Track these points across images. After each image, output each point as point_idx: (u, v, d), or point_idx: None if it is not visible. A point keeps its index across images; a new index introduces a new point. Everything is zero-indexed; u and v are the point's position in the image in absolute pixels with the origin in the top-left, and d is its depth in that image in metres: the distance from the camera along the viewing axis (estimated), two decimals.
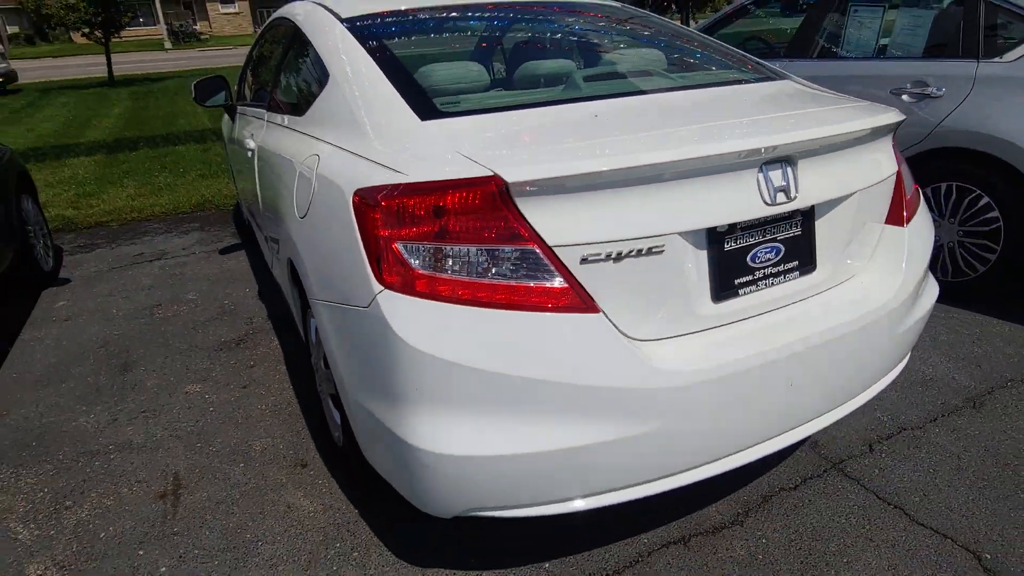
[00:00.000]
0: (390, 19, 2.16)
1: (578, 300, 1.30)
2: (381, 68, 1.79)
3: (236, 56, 24.93)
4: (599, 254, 1.31)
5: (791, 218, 1.54)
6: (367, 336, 1.38)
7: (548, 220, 1.29)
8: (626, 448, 1.35)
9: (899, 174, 1.76)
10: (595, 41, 2.41)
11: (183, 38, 38.10)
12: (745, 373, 1.42)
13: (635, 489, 1.43)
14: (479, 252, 1.28)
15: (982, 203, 2.91)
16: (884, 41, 3.40)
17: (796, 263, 1.57)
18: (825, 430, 2.24)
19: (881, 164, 1.70)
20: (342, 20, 2.11)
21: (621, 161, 1.28)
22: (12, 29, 38.46)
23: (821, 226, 1.60)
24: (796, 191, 1.47)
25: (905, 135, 3.13)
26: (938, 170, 3.05)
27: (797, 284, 1.58)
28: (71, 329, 3.23)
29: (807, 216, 1.57)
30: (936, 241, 3.11)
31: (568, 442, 1.32)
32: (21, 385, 2.74)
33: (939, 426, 2.24)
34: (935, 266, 3.16)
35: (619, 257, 1.32)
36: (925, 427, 2.24)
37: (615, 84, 1.90)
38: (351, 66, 1.84)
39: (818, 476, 2.03)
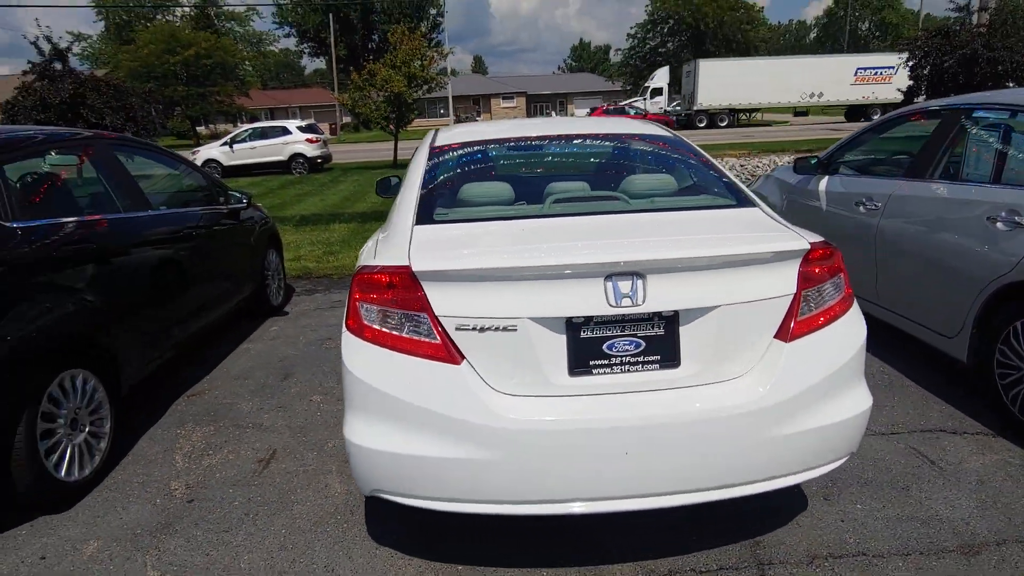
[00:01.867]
0: (459, 146, 2.96)
1: (448, 354, 1.87)
2: (421, 181, 2.57)
3: None
4: (468, 324, 1.87)
5: (650, 319, 1.90)
6: (341, 363, 2.11)
7: (439, 297, 1.90)
8: (473, 468, 1.84)
9: (798, 296, 1.97)
10: (598, 166, 2.93)
11: None
12: (579, 431, 1.82)
13: (488, 506, 1.89)
14: (395, 314, 1.94)
15: None
16: (1000, 166, 3.25)
17: (658, 357, 1.92)
18: (781, 530, 2.32)
19: (772, 284, 1.95)
20: (431, 147, 2.97)
21: (485, 262, 1.85)
22: (346, 119, 49.03)
23: (689, 330, 1.92)
24: (643, 299, 1.85)
25: (992, 265, 2.96)
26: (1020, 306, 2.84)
27: (658, 375, 1.92)
28: (270, 346, 4.53)
29: (671, 320, 1.91)
30: (1020, 383, 2.84)
31: (432, 452, 1.86)
32: (224, 377, 4.00)
33: (908, 564, 2.17)
34: (1019, 412, 2.86)
35: (483, 329, 1.87)
36: (889, 559, 2.19)
37: (576, 206, 2.42)
38: (408, 179, 2.65)
39: (735, 569, 2.16)
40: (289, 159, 19.37)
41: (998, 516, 2.37)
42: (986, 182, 3.23)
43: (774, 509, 2.47)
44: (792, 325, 1.96)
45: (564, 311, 1.87)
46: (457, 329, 1.88)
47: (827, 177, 4.55)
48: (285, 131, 19.77)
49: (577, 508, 1.88)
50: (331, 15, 46.52)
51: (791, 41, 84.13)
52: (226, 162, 19.42)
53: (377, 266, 1.99)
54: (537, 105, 56.00)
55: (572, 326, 1.89)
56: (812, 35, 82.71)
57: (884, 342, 4.04)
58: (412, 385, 1.88)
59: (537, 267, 1.84)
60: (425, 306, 1.89)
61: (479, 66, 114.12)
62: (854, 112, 31.96)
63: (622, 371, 1.91)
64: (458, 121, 44.58)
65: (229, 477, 2.85)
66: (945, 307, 3.31)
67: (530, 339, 1.87)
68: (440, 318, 1.89)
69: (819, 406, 1.96)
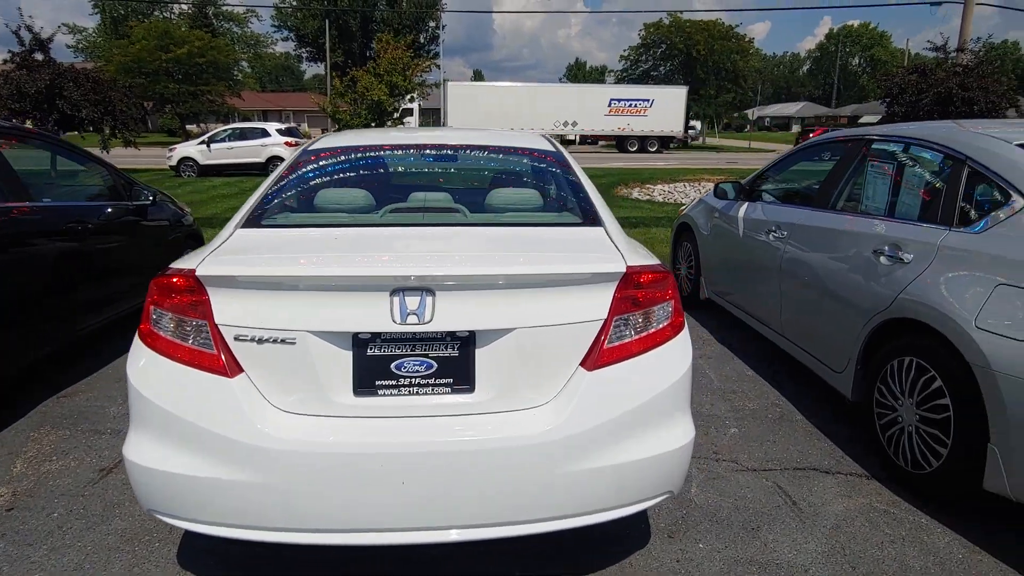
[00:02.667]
0: (336, 151, 2.86)
1: (222, 366, 1.74)
2: (271, 183, 2.46)
3: None
4: (247, 335, 1.75)
5: (443, 339, 1.79)
6: None
7: (222, 305, 1.77)
8: (242, 492, 1.71)
9: (608, 322, 1.86)
10: (470, 178, 2.83)
11: None
12: (354, 456, 1.70)
13: (260, 532, 1.76)
14: (177, 321, 1.81)
15: (935, 386, 2.55)
16: (891, 199, 3.18)
17: (450, 380, 1.80)
18: (612, 568, 2.20)
19: (581, 308, 1.84)
20: (306, 150, 2.87)
21: (266, 270, 1.73)
22: (320, 128, 49.26)
23: (486, 353, 1.80)
24: (432, 317, 1.74)
25: (875, 300, 2.88)
26: (903, 343, 2.75)
27: (449, 399, 1.80)
28: None
29: (466, 341, 1.80)
30: (898, 422, 2.75)
31: (202, 472, 1.73)
32: (106, 379, 3.84)
33: None
34: (894, 454, 2.77)
35: (261, 341, 1.74)
36: None
37: (411, 217, 2.33)
38: (264, 181, 2.54)
39: None
40: (267, 161, 19.22)
41: (842, 564, 2.26)
42: (878, 215, 3.16)
43: (613, 539, 2.35)
44: (597, 353, 1.85)
45: (349, 326, 1.75)
46: (236, 340, 1.76)
47: (747, 203, 4.48)
48: (264, 133, 19.64)
49: (350, 539, 1.75)
50: (327, 21, 46.69)
51: (784, 72, 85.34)
52: (202, 161, 19.26)
53: (171, 269, 1.86)
54: None
55: (359, 342, 1.77)
56: (805, 68, 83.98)
57: (786, 374, 3.95)
58: (184, 398, 1.75)
59: (318, 277, 1.72)
60: (207, 313, 1.77)
61: (478, 79, 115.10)
62: (623, 143, 31.42)
63: (410, 393, 1.79)
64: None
65: (61, 486, 2.69)
66: (835, 341, 3.23)
67: (310, 354, 1.75)
68: (220, 327, 1.76)
69: (623, 441, 1.84)
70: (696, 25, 35.78)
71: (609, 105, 32.39)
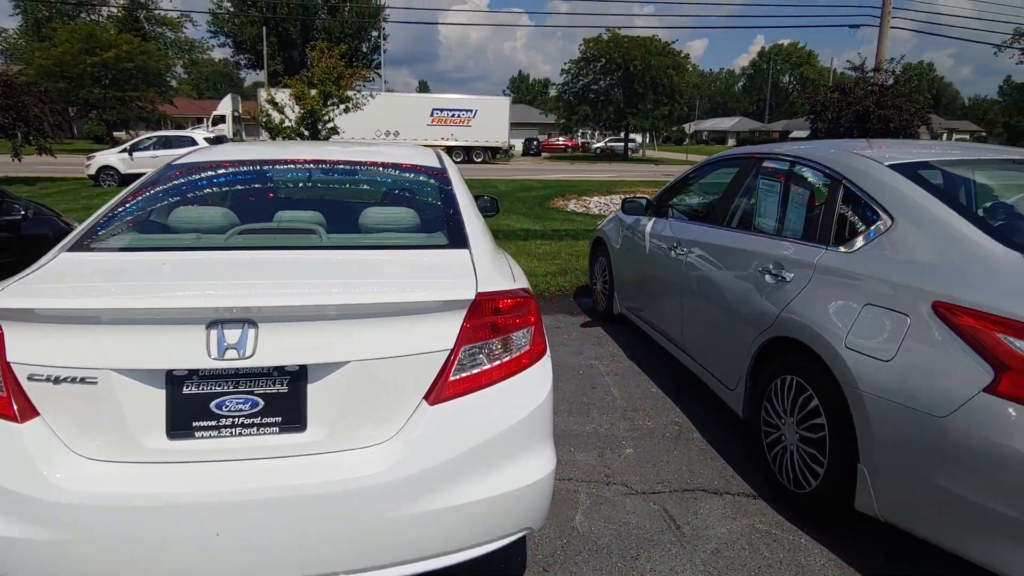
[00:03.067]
0: (205, 165, 2.68)
1: (10, 410, 1.54)
2: (117, 201, 2.28)
3: None
4: (41, 375, 1.56)
5: (270, 375, 1.64)
6: None
7: (17, 340, 1.58)
8: (31, 550, 1.51)
9: (455, 352, 1.75)
10: (347, 195, 2.71)
11: None
12: (164, 509, 1.52)
13: None
14: None
15: (812, 405, 2.54)
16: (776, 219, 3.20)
17: (279, 419, 1.65)
18: None
19: (424, 338, 1.73)
20: (170, 164, 2.68)
21: (63, 302, 1.55)
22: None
23: (319, 388, 1.66)
24: (253, 351, 1.59)
25: (761, 318, 2.88)
26: (785, 361, 2.75)
27: (278, 440, 1.65)
28: None
29: (296, 376, 1.65)
30: (781, 441, 2.74)
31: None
32: None
33: None
34: (778, 473, 2.76)
35: (57, 380, 1.55)
36: None
37: (261, 239, 2.18)
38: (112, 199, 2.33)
39: None
40: None
41: None
42: (766, 233, 3.17)
43: (486, 574, 2.23)
44: (442, 385, 1.73)
45: (162, 363, 1.58)
46: (30, 379, 1.56)
47: (654, 219, 4.49)
48: (192, 141, 18.88)
49: None
50: (265, 28, 45.64)
51: (721, 88, 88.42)
52: (124, 170, 18.40)
53: None
54: None
55: (174, 380, 1.60)
56: (740, 84, 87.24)
57: (690, 392, 3.94)
58: None
59: (123, 310, 1.55)
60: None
61: (423, 91, 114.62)
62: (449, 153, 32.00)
63: (233, 434, 1.63)
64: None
65: None
66: (728, 359, 3.22)
67: (114, 394, 1.57)
68: (12, 365, 1.57)
69: (471, 478, 1.73)
70: (634, 41, 36.57)
71: (432, 115, 31.67)
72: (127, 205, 2.34)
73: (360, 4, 56.85)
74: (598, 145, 50.51)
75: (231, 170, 2.74)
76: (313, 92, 17.63)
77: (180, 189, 2.56)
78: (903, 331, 2.14)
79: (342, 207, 2.65)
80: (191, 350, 1.58)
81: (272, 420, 1.65)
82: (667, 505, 2.72)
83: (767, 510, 2.71)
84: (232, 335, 1.59)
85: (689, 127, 51.10)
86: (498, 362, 1.83)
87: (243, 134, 31.66)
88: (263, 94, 18.08)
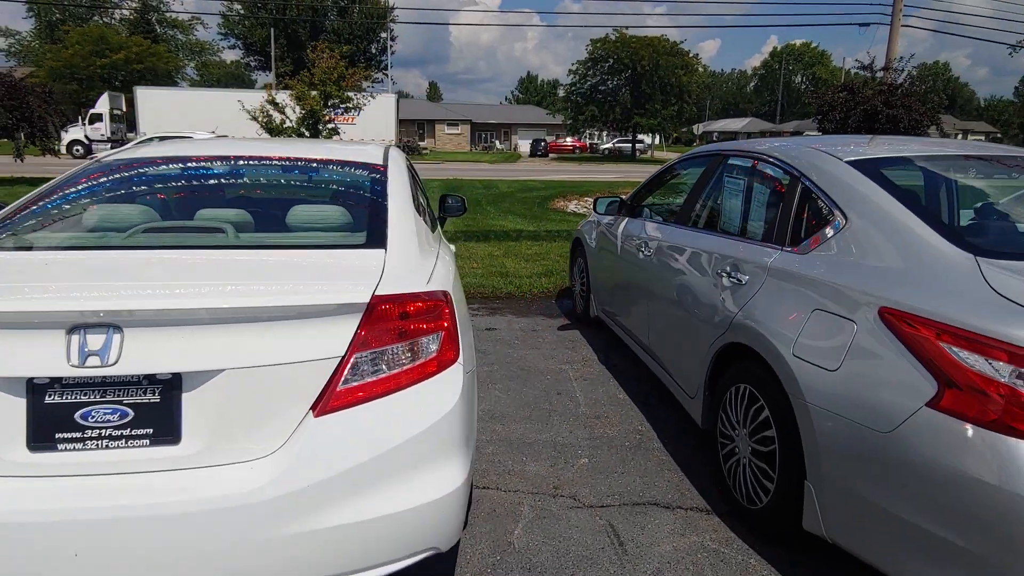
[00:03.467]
0: (133, 163, 2.58)
1: None
2: (32, 197, 2.18)
3: (434, 169, 28.46)
4: None
5: (139, 383, 1.52)
6: None
7: None
8: None
9: (347, 359, 1.63)
10: (279, 192, 2.60)
11: (407, 151, 44.38)
12: (23, 527, 1.41)
13: None
14: None
15: (763, 416, 2.40)
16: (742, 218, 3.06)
17: (150, 431, 1.53)
18: None
19: (312, 344, 1.61)
20: (99, 160, 2.58)
21: None
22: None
23: (195, 398, 1.55)
24: (118, 357, 1.48)
25: (717, 323, 2.73)
26: (739, 369, 2.60)
27: (149, 453, 1.53)
28: None
29: (170, 384, 1.54)
30: (735, 453, 2.60)
31: None
32: None
33: None
34: (732, 487, 2.61)
35: None
36: None
37: (165, 238, 2.06)
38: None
39: None
40: None
41: None
42: (728, 233, 3.03)
43: None
44: (329, 395, 1.61)
45: (22, 369, 1.47)
46: None
47: (627, 219, 4.35)
48: (189, 139, 18.93)
49: None
50: (272, 30, 45.85)
51: (732, 89, 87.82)
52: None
53: None
54: (481, 134, 56.21)
55: (35, 389, 1.49)
56: (752, 85, 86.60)
57: (658, 399, 3.79)
58: None
59: None
60: None
61: (434, 92, 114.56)
62: None
63: (100, 447, 1.52)
64: (399, 144, 44.24)
65: None
66: (689, 365, 3.08)
67: None
68: None
69: (363, 494, 1.61)
70: (641, 41, 36.38)
71: None
72: (42, 201, 2.24)
73: (369, 5, 57.00)
74: (606, 146, 50.28)
75: (161, 167, 2.63)
76: (313, 93, 17.62)
77: (103, 186, 2.46)
78: (849, 339, 1.99)
79: (270, 205, 2.54)
80: (51, 357, 1.47)
81: (143, 432, 1.53)
82: (614, 520, 2.58)
83: (720, 527, 2.56)
84: (95, 341, 1.47)
85: (698, 128, 50.74)
86: (398, 369, 1.70)
87: (124, 132, 31.48)
88: (264, 95, 18.05)
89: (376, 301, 1.67)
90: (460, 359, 1.87)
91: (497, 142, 56.51)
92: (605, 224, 4.72)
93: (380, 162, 2.76)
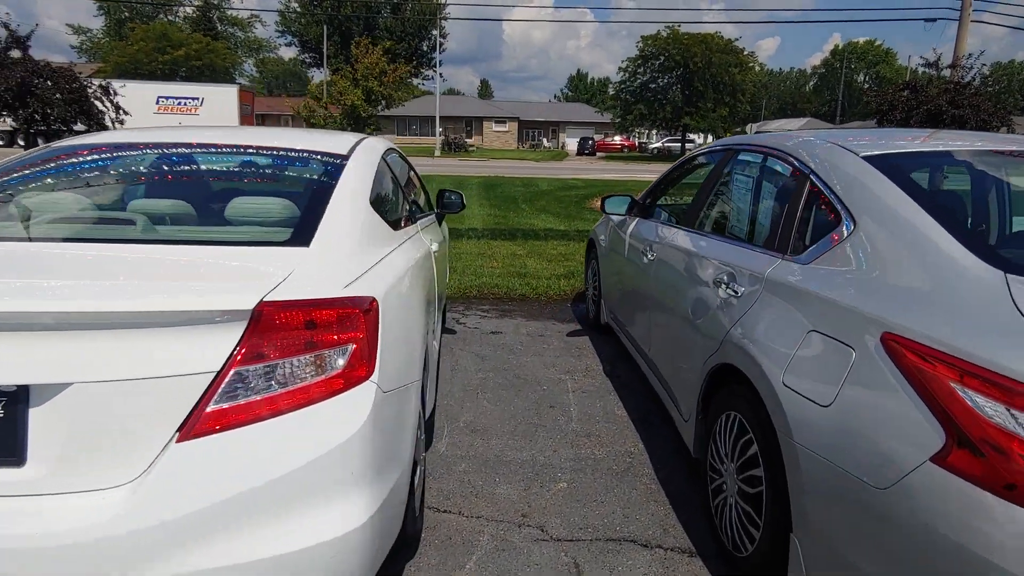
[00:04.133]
0: (95, 148, 2.44)
1: None
2: None
3: (477, 167, 28.37)
4: None
5: None
6: None
7: None
8: None
9: (222, 376, 1.40)
10: (228, 182, 2.40)
11: (453, 148, 44.49)
12: None
13: None
14: None
15: (751, 452, 2.06)
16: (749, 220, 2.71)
17: None
18: None
19: (185, 356, 1.39)
20: (59, 147, 2.45)
21: None
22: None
23: (43, 414, 1.34)
24: None
25: (710, 340, 2.40)
26: (730, 394, 2.27)
27: None
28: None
29: (15, 398, 1.34)
30: (723, 490, 2.27)
31: None
32: None
33: None
34: (719, 528, 2.28)
35: None
36: None
37: (71, 229, 1.89)
38: None
39: None
40: None
41: None
42: (731, 237, 2.69)
43: None
44: (198, 417, 1.38)
45: None
46: None
47: (637, 220, 4.02)
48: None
49: None
50: (329, 28, 46.65)
51: (791, 88, 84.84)
52: None
53: None
54: (529, 131, 55.89)
55: None
56: (811, 84, 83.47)
57: (660, 417, 3.46)
58: None
59: None
60: None
61: (485, 89, 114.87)
62: None
63: None
64: (445, 143, 44.45)
65: None
66: (684, 384, 2.75)
67: None
68: None
69: (237, 532, 1.38)
70: (694, 38, 35.36)
71: (157, 103, 31.23)
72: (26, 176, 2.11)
73: (422, 2, 57.46)
74: (655, 145, 49.25)
75: (110, 154, 2.48)
76: (355, 89, 17.73)
77: (47, 171, 2.31)
78: (846, 369, 1.65)
79: (213, 196, 2.34)
80: None
81: None
82: (581, 558, 2.29)
83: (702, 572, 2.24)
84: None
85: (752, 128, 49.20)
86: (292, 387, 1.47)
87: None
88: (310, 90, 18.26)
89: (265, 309, 1.44)
90: (374, 377, 1.61)
91: (544, 140, 56.11)
92: (615, 225, 4.40)
93: (342, 152, 2.53)
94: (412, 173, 4.04)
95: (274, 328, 1.46)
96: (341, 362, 1.55)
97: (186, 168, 2.48)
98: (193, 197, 2.25)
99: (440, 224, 4.25)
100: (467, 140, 48.70)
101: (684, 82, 36.76)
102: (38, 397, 1.34)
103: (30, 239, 1.82)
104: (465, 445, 3.09)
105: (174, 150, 2.51)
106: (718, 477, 2.33)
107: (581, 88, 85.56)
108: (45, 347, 1.33)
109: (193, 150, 2.52)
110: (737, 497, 2.13)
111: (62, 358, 1.34)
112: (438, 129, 41.91)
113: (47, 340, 1.34)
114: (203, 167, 2.52)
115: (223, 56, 39.83)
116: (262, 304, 1.44)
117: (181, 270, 1.60)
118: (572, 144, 52.07)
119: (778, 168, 2.51)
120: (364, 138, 2.91)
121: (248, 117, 31.79)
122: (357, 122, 18.08)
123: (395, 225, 2.59)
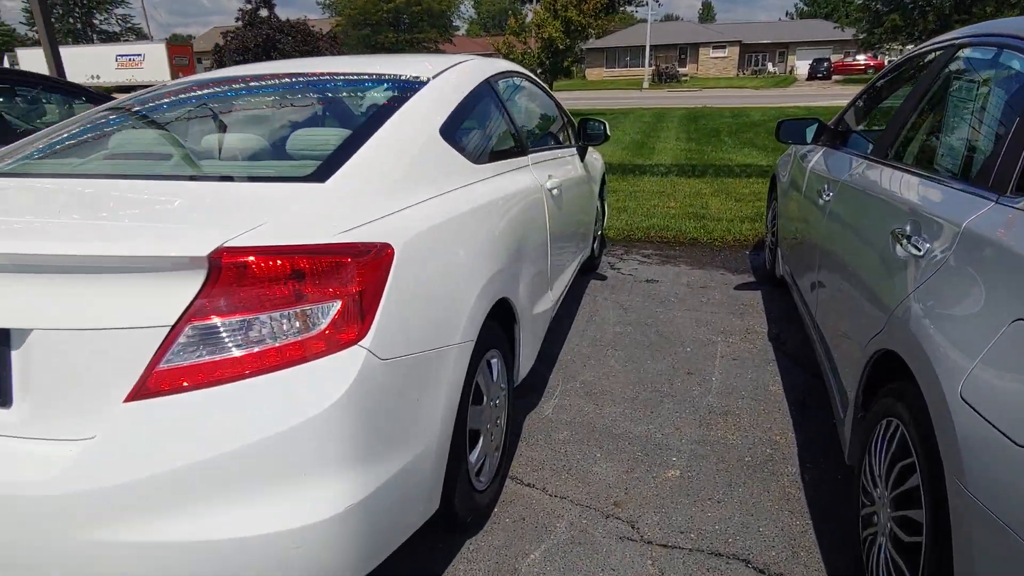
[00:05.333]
0: (179, 89, 2.47)
1: None
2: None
3: (685, 97, 26.41)
4: None
5: None
6: None
7: None
8: None
9: (176, 331, 1.22)
10: (298, 114, 2.20)
11: (665, 79, 41.93)
12: None
13: None
14: None
15: (911, 482, 1.43)
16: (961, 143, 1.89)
17: None
18: None
19: (139, 307, 1.23)
20: (161, 87, 2.51)
21: None
22: None
23: (23, 356, 1.28)
24: None
25: (875, 316, 1.74)
26: (890, 394, 1.61)
27: None
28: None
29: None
30: (874, 522, 1.65)
31: None
32: None
33: None
34: (869, 558, 1.68)
35: None
36: None
37: (123, 165, 1.83)
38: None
39: None
40: None
41: None
42: (927, 169, 1.90)
43: None
44: (147, 376, 1.22)
45: None
46: None
47: (824, 149, 3.18)
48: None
49: None
50: None
51: None
52: None
53: None
54: (752, 56, 50.34)
55: None
56: None
57: (820, 402, 2.76)
58: None
59: None
60: None
61: (707, 13, 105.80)
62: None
63: None
64: (656, 73, 42.04)
65: None
66: (844, 368, 2.09)
67: None
68: None
69: (180, 509, 1.22)
70: None
71: (116, 60, 37.75)
72: (87, 123, 2.21)
73: None
74: None
75: (203, 91, 2.46)
76: (554, 20, 17.20)
77: (150, 110, 2.37)
78: None
79: (278, 128, 2.19)
80: None
81: None
82: (671, 570, 1.86)
83: None
84: None
85: None
86: (255, 349, 1.25)
87: None
88: (510, 25, 18.17)
89: (225, 256, 1.22)
90: (367, 341, 1.34)
91: (770, 64, 50.29)
92: (799, 157, 3.56)
93: (423, 76, 2.23)
94: (545, 101, 3.62)
95: (238, 279, 1.24)
96: (324, 321, 1.30)
97: (258, 100, 2.38)
98: (259, 129, 2.13)
99: (583, 158, 3.79)
100: (679, 69, 45.56)
101: None
102: (17, 339, 1.28)
103: (52, 175, 1.81)
104: (574, 409, 2.74)
105: (256, 83, 2.43)
106: (869, 504, 1.70)
107: (820, 1, 74.50)
108: (13, 290, 1.26)
109: (272, 82, 2.41)
110: (888, 542, 1.52)
111: (24, 302, 1.26)
112: (647, 59, 39.72)
113: (14, 283, 1.26)
114: (274, 98, 2.40)
115: (439, 0, 41.53)
116: (221, 251, 1.22)
117: (155, 210, 1.45)
118: (803, 68, 46.02)
119: (1016, 66, 1.66)
120: (464, 60, 2.57)
121: (186, 68, 36.40)
122: (556, 55, 17.65)
123: (482, 158, 2.25)
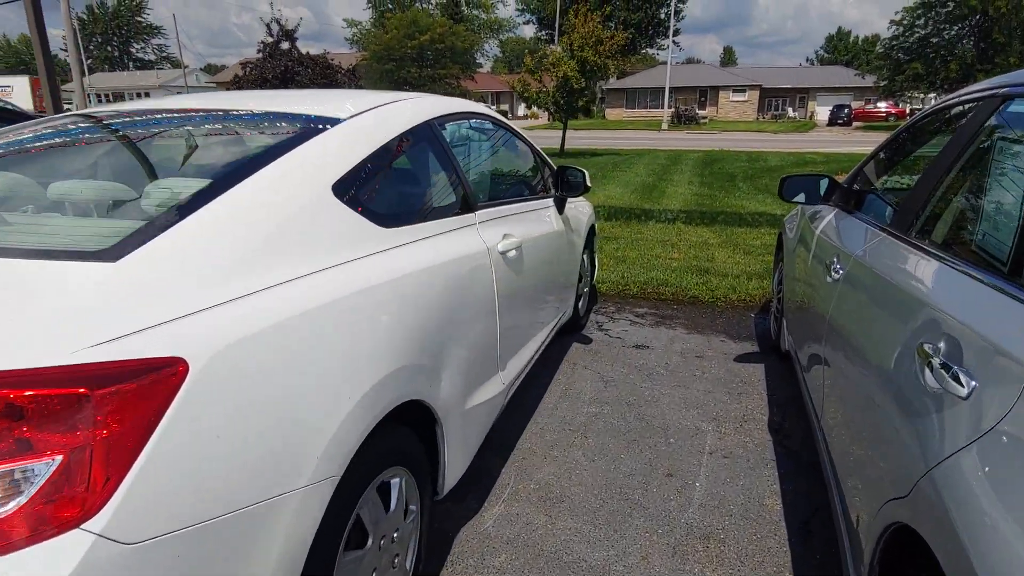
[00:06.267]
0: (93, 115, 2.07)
1: None
2: None
3: (703, 140, 26.13)
4: None
5: None
6: None
7: None
8: None
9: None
10: (191, 150, 1.79)
11: (684, 120, 41.85)
12: None
13: None
14: None
15: None
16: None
17: None
18: None
19: None
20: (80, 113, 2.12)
21: None
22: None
23: None
24: None
25: (897, 467, 1.25)
26: None
27: None
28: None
29: None
30: None
31: None
32: None
33: None
34: None
35: None
36: None
37: None
38: None
39: None
40: None
41: None
42: (970, 256, 1.42)
43: None
44: None
45: None
46: None
47: (835, 211, 2.71)
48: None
49: None
50: (559, 2, 46.70)
51: None
52: None
53: None
54: (771, 100, 50.18)
55: None
56: None
57: (827, 528, 2.23)
58: None
59: None
60: None
61: (729, 57, 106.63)
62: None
63: None
64: (675, 115, 42.02)
65: None
66: (856, 511, 1.58)
67: None
68: None
69: None
70: None
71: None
72: None
73: None
74: None
75: (71, 128, 2.06)
76: (570, 60, 17.03)
77: (40, 138, 1.98)
78: None
79: (132, 177, 1.76)
80: None
81: None
82: None
83: None
84: None
85: None
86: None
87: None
88: (526, 63, 18.03)
89: None
90: (100, 517, 0.88)
91: (790, 109, 50.11)
92: (808, 216, 3.10)
93: (341, 115, 1.81)
94: (513, 146, 3.20)
95: None
96: (29, 490, 0.84)
97: (126, 139, 1.97)
98: (106, 176, 1.72)
99: (561, 209, 3.35)
100: (699, 112, 45.53)
101: (980, 33, 29.61)
102: None
103: None
104: (521, 521, 2.24)
105: (136, 118, 2.02)
106: None
107: (841, 49, 74.44)
108: None
109: (156, 117, 2.01)
110: None
111: None
112: (666, 101, 39.75)
113: None
114: (147, 138, 1.98)
115: (463, 38, 41.99)
116: None
117: None
118: (824, 113, 45.80)
119: None
120: (402, 98, 2.16)
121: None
122: (570, 95, 17.43)
123: (400, 219, 1.81)
